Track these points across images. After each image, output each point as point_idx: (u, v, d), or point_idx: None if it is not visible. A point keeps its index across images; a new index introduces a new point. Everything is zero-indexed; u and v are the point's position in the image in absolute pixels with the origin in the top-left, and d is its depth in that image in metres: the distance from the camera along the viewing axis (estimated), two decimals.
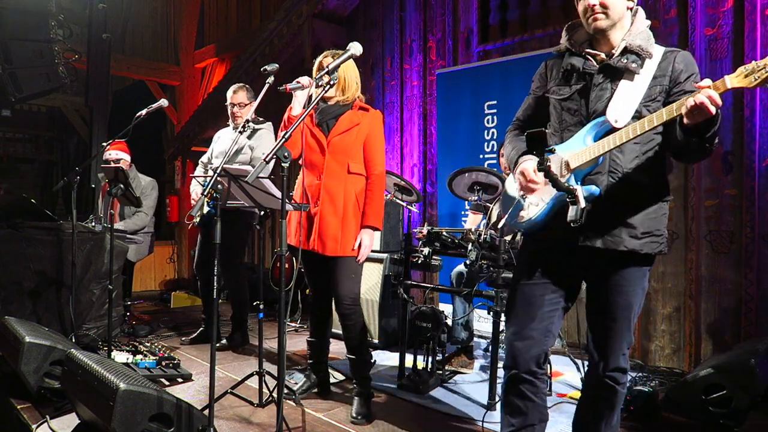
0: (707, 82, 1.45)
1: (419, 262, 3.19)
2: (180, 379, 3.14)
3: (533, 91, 2.00)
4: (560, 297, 1.85)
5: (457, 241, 3.13)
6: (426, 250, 3.14)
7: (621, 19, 1.74)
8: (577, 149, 1.74)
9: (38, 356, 2.60)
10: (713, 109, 1.44)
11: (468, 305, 3.42)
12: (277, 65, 2.29)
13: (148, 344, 3.54)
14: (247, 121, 2.59)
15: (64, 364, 2.38)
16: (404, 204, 3.86)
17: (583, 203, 1.68)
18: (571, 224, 1.68)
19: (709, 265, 3.35)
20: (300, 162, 2.74)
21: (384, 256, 3.97)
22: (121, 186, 3.16)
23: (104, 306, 3.53)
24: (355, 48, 2.14)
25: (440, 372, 3.22)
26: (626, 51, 1.73)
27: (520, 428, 1.83)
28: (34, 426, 2.44)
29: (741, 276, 3.22)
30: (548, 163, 1.67)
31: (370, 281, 3.98)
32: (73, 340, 3.23)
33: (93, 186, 5.65)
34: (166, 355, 3.26)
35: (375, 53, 5.46)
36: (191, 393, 2.95)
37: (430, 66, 5.00)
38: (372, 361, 2.98)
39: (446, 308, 4.03)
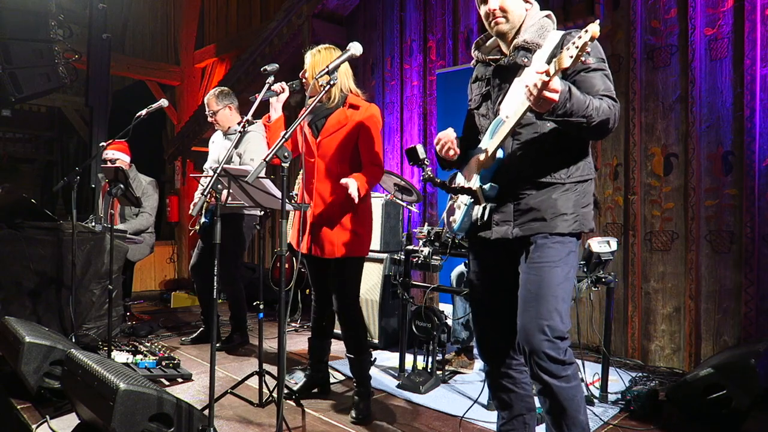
0: (542, 66, 1.49)
1: (419, 262, 3.19)
2: (180, 379, 3.14)
3: (468, 107, 2.04)
4: (509, 294, 1.84)
5: (457, 241, 3.13)
6: (426, 250, 3.14)
7: (522, 22, 1.80)
8: (482, 149, 1.83)
9: (38, 356, 2.60)
10: (542, 95, 1.46)
11: (468, 304, 3.42)
12: (277, 65, 2.29)
13: (148, 344, 3.55)
14: (247, 121, 2.57)
15: (64, 364, 2.38)
16: (404, 204, 3.86)
17: (483, 201, 1.76)
18: (477, 223, 1.79)
19: (709, 265, 3.35)
20: (300, 165, 2.73)
21: (384, 256, 3.96)
22: (121, 186, 3.16)
23: (104, 306, 3.53)
24: (355, 48, 2.14)
25: (440, 372, 3.22)
26: (516, 48, 1.77)
27: (510, 419, 1.92)
28: (34, 426, 2.44)
29: (741, 276, 3.22)
30: (432, 174, 1.85)
31: (370, 281, 3.98)
32: (73, 340, 3.23)
33: (93, 186, 5.65)
34: (166, 355, 3.26)
35: (375, 53, 5.46)
36: (191, 393, 2.95)
37: (430, 66, 4.99)
38: (372, 360, 2.98)
39: (446, 308, 4.03)
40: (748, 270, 3.19)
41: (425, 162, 1.81)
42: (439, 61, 4.90)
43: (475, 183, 1.82)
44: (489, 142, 1.80)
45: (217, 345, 3.65)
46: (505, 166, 1.78)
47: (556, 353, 1.63)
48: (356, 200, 2.40)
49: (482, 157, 1.81)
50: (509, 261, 1.84)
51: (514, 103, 1.70)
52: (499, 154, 1.77)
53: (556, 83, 1.48)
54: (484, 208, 1.79)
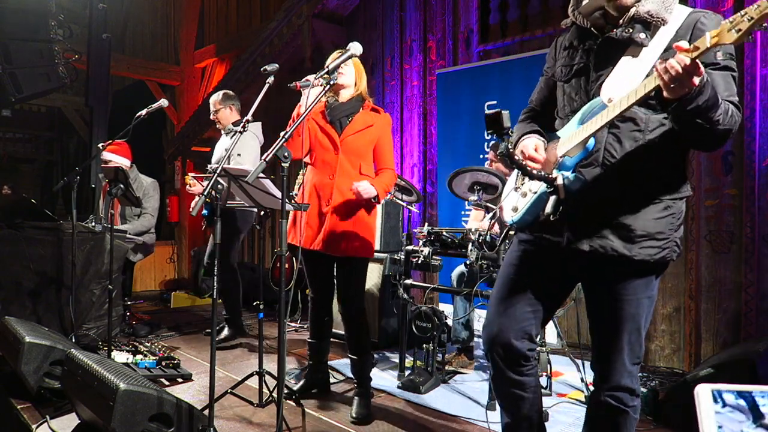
0: (684, 43, 1.21)
1: (419, 262, 3.19)
2: (180, 379, 3.14)
3: (544, 71, 1.80)
4: (544, 299, 1.68)
5: (457, 241, 3.14)
6: (426, 250, 3.14)
7: None
8: (568, 135, 1.54)
9: (38, 356, 2.60)
10: (683, 76, 1.20)
11: (469, 304, 3.42)
12: (277, 65, 2.29)
13: (148, 344, 3.55)
14: (247, 121, 2.57)
15: (64, 364, 2.38)
16: (404, 204, 3.86)
17: (563, 193, 1.48)
18: (549, 218, 1.50)
19: (709, 265, 3.35)
20: (306, 161, 2.73)
21: (384, 256, 3.96)
22: (121, 186, 3.17)
23: (104, 306, 3.53)
24: (355, 48, 2.14)
25: (440, 372, 3.22)
26: (633, 20, 1.47)
27: (517, 421, 1.75)
28: (34, 426, 2.44)
29: (741, 276, 3.22)
30: (510, 148, 1.49)
31: (370, 281, 3.97)
32: (73, 340, 3.24)
33: (93, 186, 5.65)
34: (166, 355, 3.26)
35: (375, 53, 5.46)
36: (191, 393, 2.95)
37: (430, 66, 5.00)
38: (374, 362, 2.98)
39: (446, 308, 4.03)
40: (748, 270, 3.19)
41: (509, 132, 1.49)
42: (439, 61, 4.90)
43: (555, 172, 1.52)
44: (579, 128, 1.50)
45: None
46: (594, 160, 1.51)
47: (632, 383, 1.59)
48: (369, 198, 2.56)
49: (567, 143, 1.52)
50: (561, 266, 1.62)
51: (624, 87, 1.41)
52: (590, 143, 1.48)
53: (700, 65, 1.20)
54: (561, 203, 1.49)
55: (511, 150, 1.51)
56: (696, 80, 1.22)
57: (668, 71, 1.22)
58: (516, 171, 1.73)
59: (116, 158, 4.31)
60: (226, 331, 4.06)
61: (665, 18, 1.44)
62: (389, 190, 2.67)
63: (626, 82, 1.44)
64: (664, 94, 1.27)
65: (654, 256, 1.49)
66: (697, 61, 1.19)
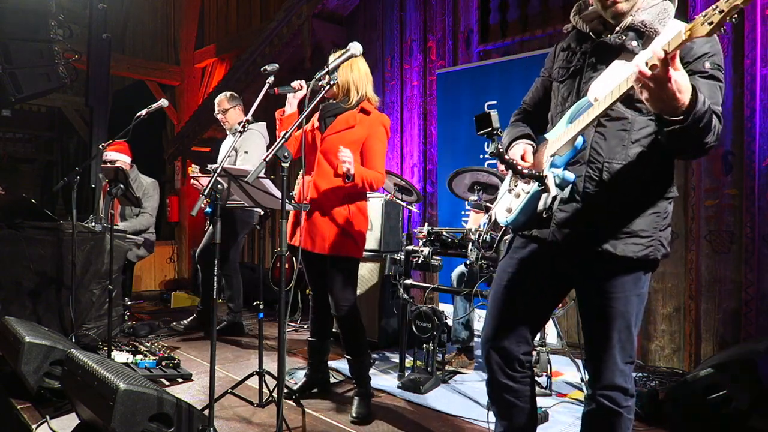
0: (659, 43, 1.23)
1: (419, 262, 3.19)
2: (180, 379, 3.14)
3: (541, 73, 1.85)
4: (538, 302, 1.71)
5: (457, 241, 3.14)
6: (426, 250, 3.14)
7: None
8: (557, 134, 1.58)
9: (38, 356, 2.60)
10: (661, 71, 1.18)
11: (469, 304, 3.42)
12: (277, 65, 2.29)
13: (148, 344, 3.55)
14: (248, 121, 2.58)
15: (64, 364, 2.39)
16: (404, 204, 3.86)
17: (553, 191, 1.50)
18: (542, 215, 1.54)
19: (709, 265, 3.35)
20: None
21: (384, 256, 3.96)
22: (121, 186, 3.17)
23: (104, 306, 3.53)
24: (355, 48, 2.14)
25: (440, 372, 3.22)
26: (628, 28, 1.53)
27: (511, 430, 1.76)
28: (34, 426, 2.44)
29: (741, 276, 3.22)
30: (501, 148, 1.54)
31: (370, 281, 3.98)
32: (73, 340, 3.24)
33: (93, 186, 5.65)
34: (166, 355, 3.26)
35: (375, 53, 5.46)
36: (191, 393, 2.95)
37: (430, 66, 4.99)
38: (371, 361, 2.98)
39: (446, 308, 4.03)
40: (748, 270, 3.19)
41: (498, 133, 1.54)
42: (439, 61, 4.89)
43: (546, 170, 1.56)
44: (567, 127, 1.54)
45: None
46: (581, 158, 1.54)
47: (625, 382, 1.61)
48: (349, 171, 2.38)
49: (556, 143, 1.56)
50: (551, 263, 1.65)
51: (608, 86, 1.45)
52: (579, 142, 1.51)
53: (680, 66, 1.20)
54: (553, 199, 1.53)
55: (501, 150, 1.55)
56: (673, 87, 1.20)
57: (647, 64, 1.22)
58: (510, 173, 1.78)
59: (121, 156, 4.33)
60: (189, 319, 4.30)
61: (658, 29, 1.49)
62: (368, 182, 2.52)
63: (612, 84, 1.46)
64: (644, 95, 1.26)
65: (637, 253, 1.52)
66: (674, 64, 1.18)
